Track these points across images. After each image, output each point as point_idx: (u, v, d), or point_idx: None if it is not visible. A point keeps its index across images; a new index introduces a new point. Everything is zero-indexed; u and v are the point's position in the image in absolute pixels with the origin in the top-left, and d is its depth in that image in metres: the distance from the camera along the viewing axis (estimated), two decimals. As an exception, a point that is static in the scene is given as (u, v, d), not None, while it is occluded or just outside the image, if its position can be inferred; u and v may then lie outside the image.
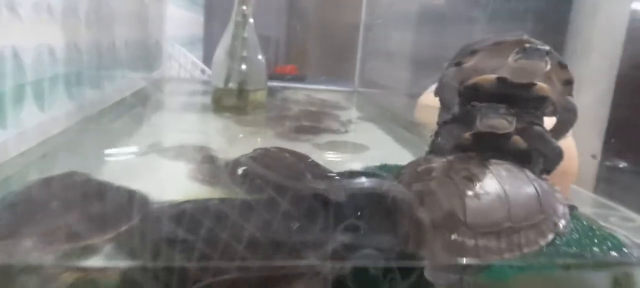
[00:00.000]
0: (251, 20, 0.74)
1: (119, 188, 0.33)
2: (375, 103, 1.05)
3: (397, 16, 1.27)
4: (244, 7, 0.73)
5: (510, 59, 0.30)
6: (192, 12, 2.03)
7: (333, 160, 0.55)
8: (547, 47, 0.30)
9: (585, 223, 0.34)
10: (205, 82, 1.16)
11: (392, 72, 1.23)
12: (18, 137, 0.49)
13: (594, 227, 0.34)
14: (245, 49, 0.76)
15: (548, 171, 0.34)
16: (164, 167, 0.47)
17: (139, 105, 0.78)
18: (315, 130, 0.69)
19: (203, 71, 1.49)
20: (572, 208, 0.35)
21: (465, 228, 0.28)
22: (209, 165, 0.46)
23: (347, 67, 1.33)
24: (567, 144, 0.63)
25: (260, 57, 0.78)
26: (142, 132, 0.60)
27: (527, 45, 0.30)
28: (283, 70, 2.61)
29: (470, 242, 0.28)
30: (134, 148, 0.52)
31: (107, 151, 0.51)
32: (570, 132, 0.63)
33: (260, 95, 0.79)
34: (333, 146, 0.61)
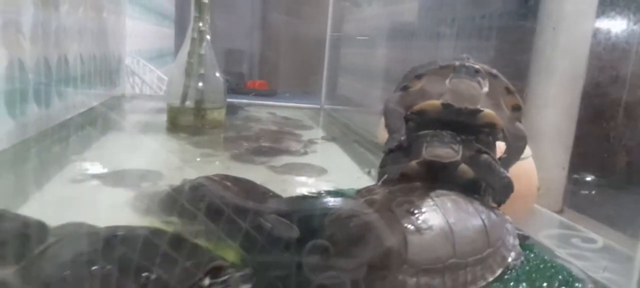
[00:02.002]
0: (208, 36, 0.72)
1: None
2: (341, 121, 1.03)
3: (364, 32, 1.26)
4: (201, 24, 0.70)
5: (447, 81, 0.29)
6: (161, 26, 2.00)
7: (287, 184, 0.52)
8: (477, 67, 0.29)
9: (537, 254, 0.33)
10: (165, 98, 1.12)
11: (359, 89, 1.22)
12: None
13: (547, 258, 0.32)
14: (202, 66, 0.73)
15: (498, 203, 0.32)
16: (102, 194, 0.44)
17: (88, 125, 0.74)
18: (274, 152, 0.67)
19: (165, 86, 1.45)
20: (524, 238, 0.33)
21: (406, 266, 0.26)
22: (151, 193, 0.43)
23: (314, 83, 1.32)
24: (526, 166, 0.62)
25: (217, 74, 0.75)
26: (86, 156, 0.57)
27: (457, 63, 0.29)
28: (254, 85, 2.59)
29: (412, 281, 0.26)
30: (73, 174, 0.48)
31: (44, 176, 0.48)
32: (530, 154, 0.63)
33: (218, 114, 0.77)
34: (289, 169, 0.58)
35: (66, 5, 0.76)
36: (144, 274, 0.24)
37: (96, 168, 0.50)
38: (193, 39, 0.72)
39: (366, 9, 1.33)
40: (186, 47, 0.73)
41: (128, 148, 0.64)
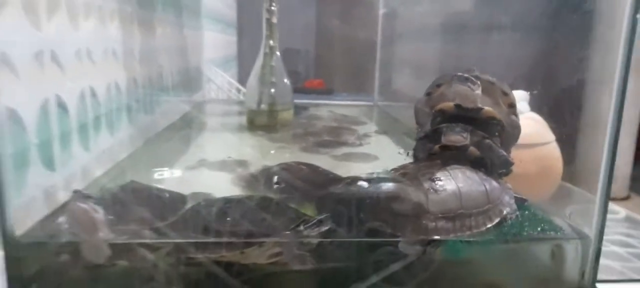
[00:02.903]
0: (278, 52, 0.87)
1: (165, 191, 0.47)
2: (392, 116, 1.15)
3: (416, 28, 1.36)
4: (271, 41, 0.86)
5: (451, 87, 0.42)
6: (226, 34, 2.19)
7: (346, 169, 0.66)
8: (466, 75, 0.41)
9: (531, 211, 0.44)
10: (239, 102, 1.29)
11: (410, 84, 1.33)
12: (97, 157, 0.63)
13: (538, 214, 0.44)
14: (273, 75, 0.88)
15: (502, 175, 0.44)
16: (211, 177, 0.60)
17: (186, 127, 0.92)
18: (334, 144, 0.81)
19: (238, 90, 1.64)
20: (522, 201, 0.45)
21: (428, 214, 0.39)
22: (247, 175, 0.58)
23: (367, 80, 1.45)
24: (550, 149, 0.73)
25: (286, 80, 0.91)
26: (191, 151, 0.74)
27: (459, 74, 0.41)
28: (311, 84, 2.75)
29: (432, 225, 0.39)
30: (186, 164, 0.65)
31: (165, 167, 0.65)
32: (552, 139, 0.73)
33: (287, 114, 0.92)
34: (348, 157, 0.72)
35: (160, 30, 0.93)
36: (261, 218, 0.39)
37: (201, 159, 0.67)
38: (265, 54, 0.87)
39: (418, 5, 1.42)
40: (260, 60, 0.89)
41: (220, 144, 0.80)
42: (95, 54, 0.63)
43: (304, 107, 1.19)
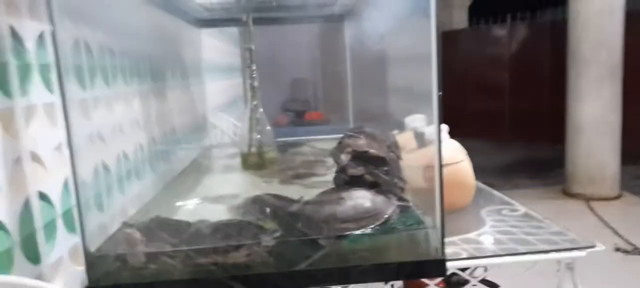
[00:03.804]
0: (261, 109, 1.13)
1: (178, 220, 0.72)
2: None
3: (378, 59, 1.59)
4: (254, 101, 1.12)
5: (349, 139, 0.67)
6: (231, 79, 2.47)
7: (312, 193, 0.91)
8: (359, 131, 0.66)
9: (409, 213, 0.68)
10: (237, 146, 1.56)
11: (379, 110, 1.57)
12: (130, 200, 0.89)
13: (411, 215, 0.68)
14: (259, 125, 1.14)
15: (402, 191, 0.69)
16: (211, 208, 0.85)
17: (194, 172, 1.18)
18: (306, 175, 1.06)
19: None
20: (405, 208, 0.69)
21: (336, 219, 0.63)
22: (235, 205, 0.83)
23: (346, 109, 1.69)
24: (462, 166, 0.97)
25: (268, 127, 1.16)
26: (197, 190, 1.00)
27: (352, 130, 0.66)
28: (310, 116, 3.03)
29: (338, 226, 0.63)
30: (195, 200, 0.91)
31: (179, 203, 0.91)
32: (462, 159, 0.97)
33: (272, 154, 1.17)
34: (313, 185, 0.97)
35: (170, 94, 1.20)
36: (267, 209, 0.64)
37: (204, 196, 0.92)
38: (251, 110, 1.14)
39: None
40: (247, 114, 1.15)
41: (220, 182, 1.06)
42: (124, 127, 0.90)
43: (289, 145, 1.44)
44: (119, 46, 0.91)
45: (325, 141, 1.52)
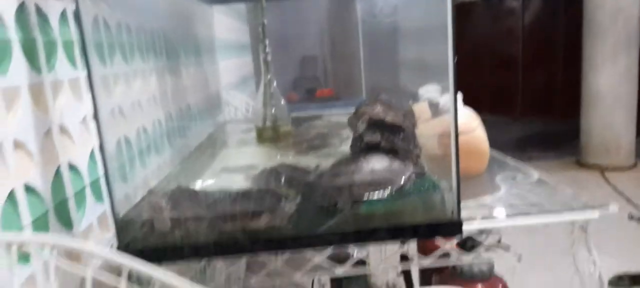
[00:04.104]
0: (275, 84, 1.15)
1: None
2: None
3: (393, 33, 1.60)
4: (268, 75, 1.14)
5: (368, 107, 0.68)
6: (241, 57, 2.49)
7: (325, 163, 0.93)
8: (377, 99, 0.67)
9: (425, 178, 0.70)
10: (252, 121, 1.58)
11: (392, 84, 1.58)
12: (152, 172, 0.92)
13: (427, 179, 0.70)
14: (273, 99, 1.16)
15: (417, 158, 0.70)
16: (231, 178, 0.87)
17: (211, 145, 1.20)
18: (321, 146, 1.08)
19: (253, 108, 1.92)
20: (421, 174, 0.71)
21: (354, 184, 0.65)
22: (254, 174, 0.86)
23: (357, 85, 1.70)
24: (477, 134, 0.98)
25: (282, 102, 1.18)
26: (215, 163, 1.02)
27: (370, 99, 0.68)
28: (322, 93, 3.04)
29: (357, 190, 0.65)
30: (214, 171, 0.93)
31: (199, 174, 0.93)
32: (475, 127, 0.98)
33: (286, 127, 1.19)
34: (328, 155, 0.99)
35: (184, 71, 1.22)
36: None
37: (223, 167, 0.95)
38: (265, 85, 1.15)
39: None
40: (261, 88, 1.17)
41: (237, 155, 1.08)
42: (143, 103, 0.92)
43: (304, 119, 1.46)
44: (136, 23, 0.92)
45: (338, 116, 1.54)
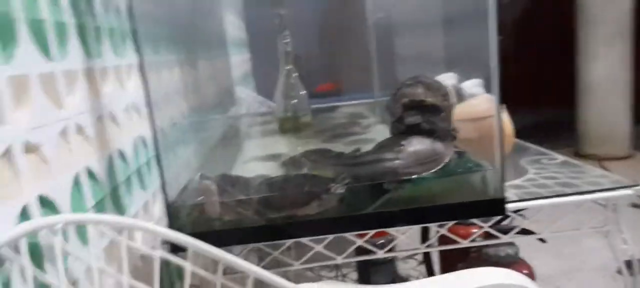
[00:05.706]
0: (295, 74, 1.16)
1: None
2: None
3: (402, 26, 1.60)
4: (288, 67, 1.14)
5: (407, 88, 0.69)
6: (241, 54, 2.48)
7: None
8: (416, 79, 0.69)
9: (465, 158, 0.71)
10: (264, 114, 1.58)
11: (403, 77, 1.59)
12: (183, 162, 0.92)
13: (468, 159, 0.71)
14: (293, 90, 1.17)
15: (453, 140, 0.71)
16: (263, 166, 0.88)
17: (234, 137, 1.21)
18: (345, 135, 1.09)
19: (261, 103, 1.93)
20: (461, 154, 0.72)
21: (398, 166, 0.66)
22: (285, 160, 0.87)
23: (368, 78, 1.71)
24: (504, 119, 0.99)
25: (302, 92, 1.19)
26: (243, 153, 1.03)
27: (410, 80, 0.69)
28: (322, 88, 3.03)
29: (401, 171, 0.66)
30: (243, 160, 0.94)
31: (230, 165, 0.94)
32: (505, 110, 0.99)
33: (306, 118, 1.20)
34: (354, 142, 1.00)
35: (201, 65, 1.23)
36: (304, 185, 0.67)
37: (253, 156, 0.95)
38: (286, 73, 1.16)
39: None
40: (281, 79, 1.18)
41: (262, 145, 1.09)
42: (170, 94, 0.93)
43: (320, 111, 1.47)
44: (164, 16, 0.93)
45: (354, 106, 1.55)
